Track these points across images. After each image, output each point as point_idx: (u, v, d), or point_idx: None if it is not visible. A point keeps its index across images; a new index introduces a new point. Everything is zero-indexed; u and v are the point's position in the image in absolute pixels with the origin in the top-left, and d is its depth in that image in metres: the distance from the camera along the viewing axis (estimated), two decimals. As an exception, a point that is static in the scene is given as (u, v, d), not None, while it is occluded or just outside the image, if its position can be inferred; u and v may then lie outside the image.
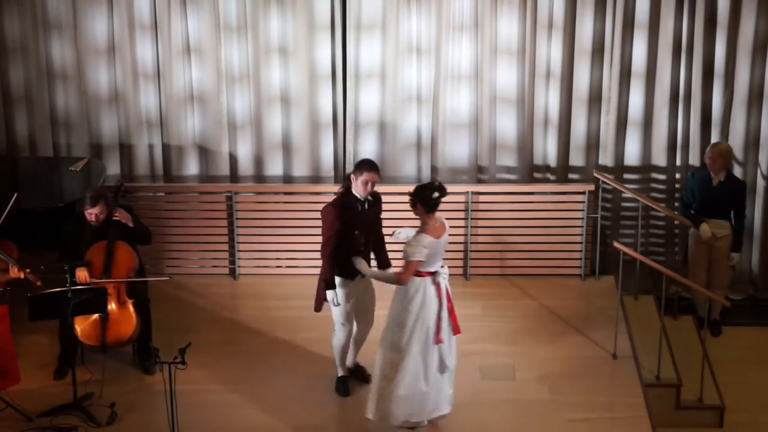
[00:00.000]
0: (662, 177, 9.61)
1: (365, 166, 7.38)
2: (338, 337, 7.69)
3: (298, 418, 7.54)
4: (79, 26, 9.35)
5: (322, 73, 9.40)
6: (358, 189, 7.36)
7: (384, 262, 7.68)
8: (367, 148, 9.59)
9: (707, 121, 9.44)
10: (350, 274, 7.44)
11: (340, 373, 7.86)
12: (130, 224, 7.83)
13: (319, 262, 7.47)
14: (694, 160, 9.53)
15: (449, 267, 9.17)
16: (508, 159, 9.61)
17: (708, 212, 8.82)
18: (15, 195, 7.85)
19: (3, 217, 7.69)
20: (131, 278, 7.84)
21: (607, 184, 9.32)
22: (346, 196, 7.41)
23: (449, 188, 9.20)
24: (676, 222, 9.42)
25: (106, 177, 9.04)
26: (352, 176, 7.37)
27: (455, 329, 7.24)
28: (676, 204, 9.44)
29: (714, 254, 8.93)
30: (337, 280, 7.45)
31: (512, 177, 9.64)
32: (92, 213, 7.73)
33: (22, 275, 7.48)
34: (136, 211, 8.10)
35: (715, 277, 9.02)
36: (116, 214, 7.78)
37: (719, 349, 8.98)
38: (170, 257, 9.35)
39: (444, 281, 7.17)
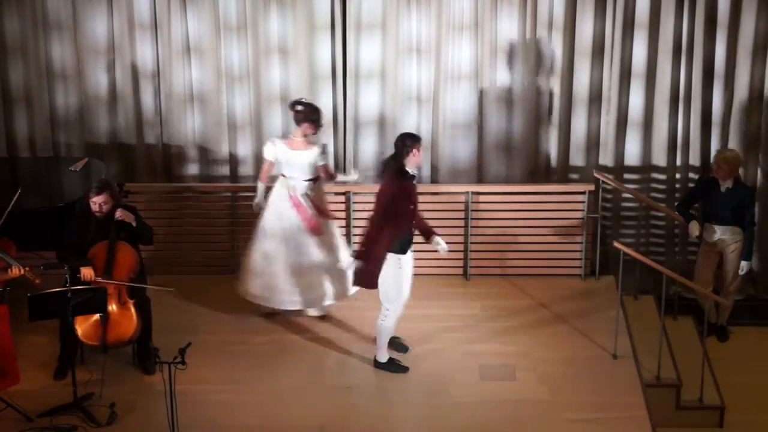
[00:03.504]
0: (662, 177, 9.61)
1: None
2: (393, 317, 7.87)
3: (298, 418, 7.54)
4: (79, 26, 9.36)
5: (322, 73, 9.41)
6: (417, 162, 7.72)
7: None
8: (368, 148, 9.60)
9: (707, 122, 9.44)
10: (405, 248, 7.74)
11: (387, 356, 8.03)
12: (134, 223, 7.82)
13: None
14: (694, 160, 9.53)
15: (449, 266, 9.29)
16: (508, 159, 9.61)
17: (716, 219, 8.79)
18: (18, 191, 7.86)
19: (4, 215, 7.70)
20: (133, 280, 7.84)
21: (607, 184, 9.32)
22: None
23: (449, 188, 9.33)
24: (676, 222, 9.42)
25: (104, 177, 9.03)
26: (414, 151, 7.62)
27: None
28: (677, 204, 9.44)
29: (725, 261, 8.92)
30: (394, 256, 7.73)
31: (512, 177, 9.64)
32: (96, 202, 7.70)
33: (21, 272, 7.47)
34: (139, 212, 8.09)
35: (723, 283, 9.02)
36: (118, 215, 7.76)
37: (719, 349, 8.98)
38: (170, 257, 9.34)
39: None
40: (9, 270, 7.50)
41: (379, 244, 7.59)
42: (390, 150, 9.45)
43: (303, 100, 8.31)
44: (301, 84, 9.39)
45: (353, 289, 8.39)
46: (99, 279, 7.67)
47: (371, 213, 7.70)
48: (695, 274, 9.04)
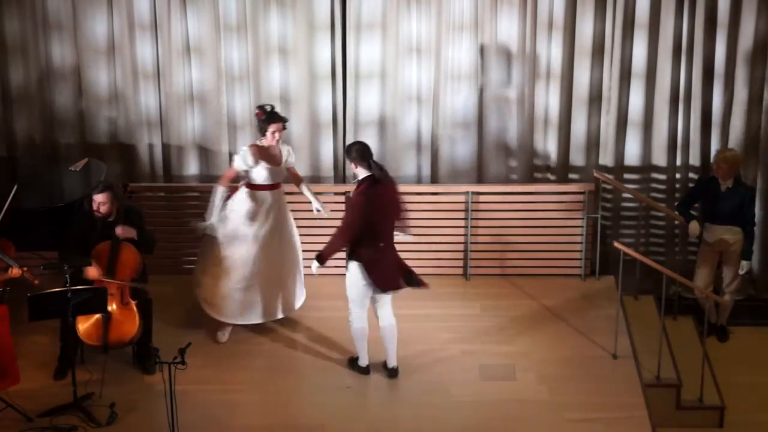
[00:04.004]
0: (662, 177, 9.61)
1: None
2: None
3: (298, 418, 7.54)
4: (79, 26, 9.35)
5: (322, 73, 9.41)
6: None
7: None
8: (367, 148, 9.59)
9: (707, 122, 9.44)
10: None
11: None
12: (135, 237, 7.85)
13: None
14: (694, 160, 9.53)
15: (449, 266, 9.27)
16: (508, 159, 9.61)
17: (716, 218, 8.80)
18: (15, 187, 7.87)
19: (3, 211, 7.70)
20: (136, 281, 7.84)
21: (607, 184, 9.32)
22: None
23: (449, 188, 9.33)
24: (676, 222, 9.42)
25: (106, 177, 9.03)
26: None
27: None
28: (677, 203, 9.44)
29: (725, 260, 8.92)
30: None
31: (512, 177, 9.64)
32: (96, 201, 7.76)
33: (19, 272, 7.48)
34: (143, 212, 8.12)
35: (724, 283, 9.02)
36: (119, 232, 7.78)
37: (719, 349, 8.99)
38: (170, 257, 9.34)
39: None
40: (8, 270, 7.50)
41: None
42: (390, 150, 9.54)
43: (266, 107, 8.14)
44: (301, 84, 9.39)
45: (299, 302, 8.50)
46: (104, 279, 7.68)
47: (402, 217, 7.69)
48: (695, 274, 9.04)
